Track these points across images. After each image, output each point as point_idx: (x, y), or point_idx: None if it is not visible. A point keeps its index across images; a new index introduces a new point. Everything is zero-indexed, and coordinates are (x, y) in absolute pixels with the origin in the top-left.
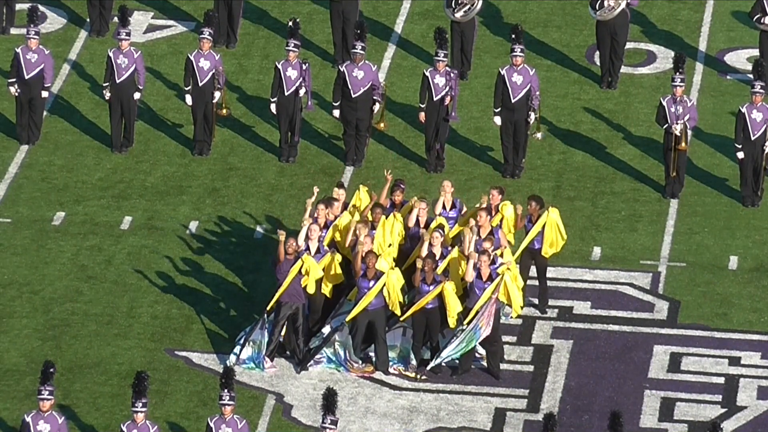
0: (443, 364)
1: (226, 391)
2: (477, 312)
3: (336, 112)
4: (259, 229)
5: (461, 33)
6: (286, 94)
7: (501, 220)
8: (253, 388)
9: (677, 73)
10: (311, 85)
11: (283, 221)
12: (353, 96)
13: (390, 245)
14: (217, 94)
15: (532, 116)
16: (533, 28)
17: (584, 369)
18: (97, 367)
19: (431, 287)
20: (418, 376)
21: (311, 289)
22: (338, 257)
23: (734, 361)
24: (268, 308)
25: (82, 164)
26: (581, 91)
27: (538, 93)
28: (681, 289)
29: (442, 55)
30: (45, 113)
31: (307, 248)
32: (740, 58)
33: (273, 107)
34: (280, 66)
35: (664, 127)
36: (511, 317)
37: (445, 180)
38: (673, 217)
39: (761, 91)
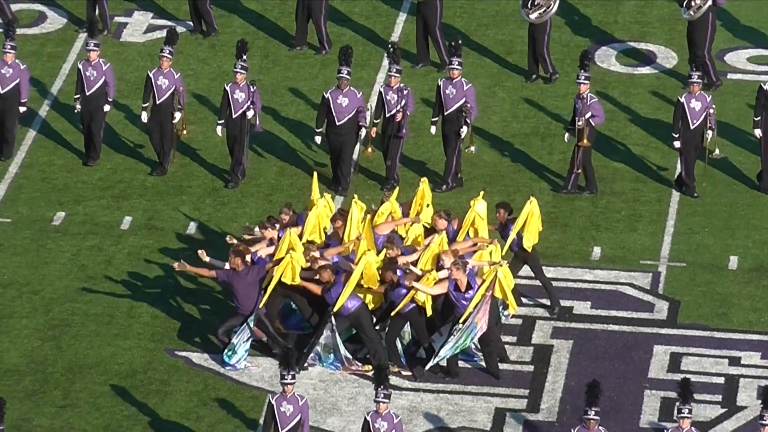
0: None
1: (287, 371)
2: (472, 311)
3: (318, 138)
4: (257, 229)
5: (533, 35)
6: (234, 116)
7: (474, 219)
8: (253, 388)
9: (582, 71)
10: (261, 106)
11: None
12: (338, 123)
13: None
14: (178, 115)
15: (465, 130)
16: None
17: (584, 369)
18: (97, 367)
19: (400, 291)
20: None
21: (293, 280)
22: (294, 231)
23: (734, 361)
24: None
25: (82, 164)
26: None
27: (470, 106)
28: (681, 289)
29: (395, 70)
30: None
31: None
32: (740, 58)
33: (219, 130)
34: (228, 88)
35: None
36: (509, 315)
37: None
38: (673, 217)
39: (699, 80)
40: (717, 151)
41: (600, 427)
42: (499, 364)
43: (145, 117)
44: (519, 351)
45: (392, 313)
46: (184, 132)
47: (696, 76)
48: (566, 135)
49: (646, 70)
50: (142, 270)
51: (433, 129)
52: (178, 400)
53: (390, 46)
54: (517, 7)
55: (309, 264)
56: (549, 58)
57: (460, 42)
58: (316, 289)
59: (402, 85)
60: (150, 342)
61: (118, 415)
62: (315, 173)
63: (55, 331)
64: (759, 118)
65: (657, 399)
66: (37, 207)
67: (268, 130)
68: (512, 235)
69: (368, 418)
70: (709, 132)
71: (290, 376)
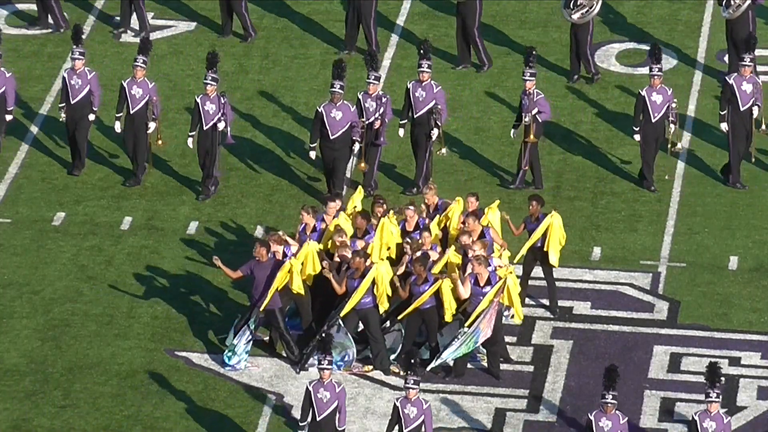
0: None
1: (324, 356)
2: (479, 315)
3: (312, 154)
4: (259, 229)
5: (575, 36)
6: (205, 128)
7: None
8: (253, 388)
9: (527, 67)
10: (232, 117)
11: (283, 221)
12: (331, 137)
13: (388, 248)
14: (152, 125)
15: (435, 132)
16: (533, 28)
17: (584, 369)
18: (97, 367)
19: (424, 287)
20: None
21: (300, 290)
22: (314, 245)
23: (734, 361)
24: (261, 309)
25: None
26: (581, 91)
27: (440, 107)
28: (681, 289)
29: (373, 77)
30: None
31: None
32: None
33: (190, 142)
34: (198, 100)
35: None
36: (509, 315)
37: (409, 208)
38: (673, 217)
39: (659, 74)
40: (680, 145)
41: (617, 411)
42: (500, 364)
43: (118, 127)
44: (519, 351)
45: (410, 308)
46: (159, 142)
47: (657, 69)
48: (512, 131)
49: (646, 70)
50: (142, 270)
51: (401, 131)
52: (178, 400)
53: (367, 52)
54: (518, 7)
55: (337, 251)
56: (592, 58)
57: (429, 44)
58: (337, 286)
59: (381, 92)
60: (150, 342)
61: (118, 415)
62: (360, 187)
63: (55, 331)
64: (725, 112)
65: (657, 399)
66: (37, 207)
67: (268, 130)
68: (533, 238)
69: (397, 404)
70: (671, 125)
71: (326, 362)
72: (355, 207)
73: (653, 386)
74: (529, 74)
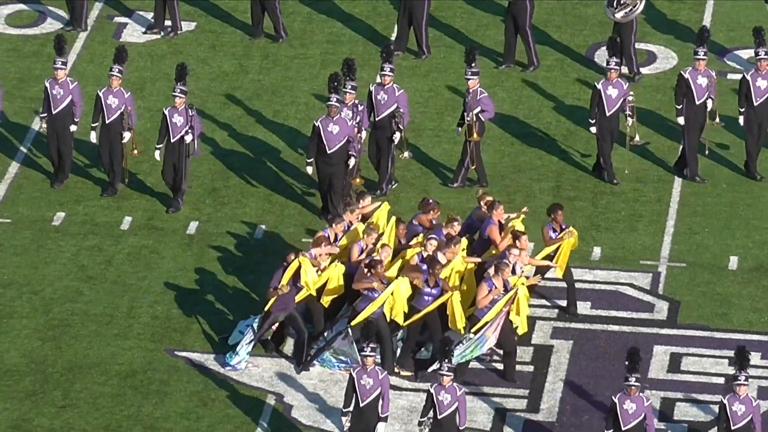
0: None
1: (367, 343)
2: (486, 323)
3: (309, 169)
4: (259, 229)
5: (619, 35)
6: (172, 141)
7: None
8: (253, 388)
9: (468, 67)
10: (200, 130)
11: (283, 221)
12: (328, 152)
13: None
14: (127, 135)
15: (398, 135)
16: (533, 28)
17: (584, 369)
18: (97, 367)
19: (434, 290)
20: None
21: (311, 293)
22: (341, 268)
23: (734, 361)
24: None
25: (82, 164)
26: (581, 91)
27: (402, 111)
28: (681, 289)
29: (350, 87)
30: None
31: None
32: (740, 58)
33: (157, 154)
34: (166, 112)
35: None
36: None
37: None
38: (673, 217)
39: (616, 67)
40: (637, 138)
41: (641, 394)
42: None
43: (94, 137)
44: (519, 351)
45: (416, 317)
46: (135, 152)
47: (614, 63)
48: (457, 129)
49: (646, 70)
50: (142, 270)
51: (363, 134)
52: (178, 400)
53: (345, 62)
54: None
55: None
56: (635, 58)
57: (392, 47)
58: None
59: (357, 101)
60: (150, 342)
61: (118, 415)
62: (395, 219)
63: (55, 331)
64: (681, 106)
65: (657, 399)
66: (37, 207)
67: (268, 130)
68: (547, 251)
69: (432, 390)
70: (629, 119)
71: (369, 349)
72: (378, 221)
73: (653, 386)
74: (470, 73)
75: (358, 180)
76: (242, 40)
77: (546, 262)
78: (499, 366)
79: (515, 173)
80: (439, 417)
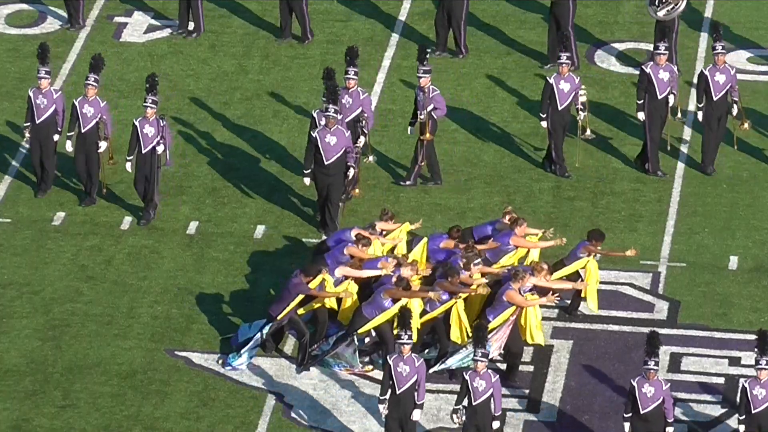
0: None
1: (405, 331)
2: (492, 330)
3: (306, 180)
4: (259, 228)
5: (662, 33)
6: (143, 152)
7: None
8: (253, 388)
9: (421, 65)
10: (171, 141)
11: (282, 221)
12: (326, 163)
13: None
14: (103, 144)
15: (362, 140)
16: (533, 28)
17: (584, 369)
18: (97, 367)
19: (444, 295)
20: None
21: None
22: (354, 287)
23: (734, 361)
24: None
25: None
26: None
27: (366, 115)
28: (681, 289)
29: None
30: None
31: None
32: (740, 58)
33: (128, 166)
34: (137, 123)
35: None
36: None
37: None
38: (673, 217)
39: (567, 62)
40: (588, 131)
41: (659, 378)
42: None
43: (69, 146)
44: None
45: (423, 319)
46: (111, 162)
47: (565, 57)
48: (409, 128)
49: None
50: (142, 270)
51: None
52: (178, 400)
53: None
54: (518, 7)
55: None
56: (676, 57)
57: (357, 50)
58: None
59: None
60: (150, 342)
61: (118, 415)
62: (425, 239)
63: (55, 332)
64: (642, 101)
65: None
66: (37, 207)
67: (268, 130)
68: (568, 270)
69: (467, 377)
70: (580, 112)
71: (407, 336)
72: (400, 238)
73: None
74: (423, 71)
75: (357, 191)
76: (242, 40)
77: (566, 285)
78: (502, 366)
79: (515, 173)
80: (474, 404)
